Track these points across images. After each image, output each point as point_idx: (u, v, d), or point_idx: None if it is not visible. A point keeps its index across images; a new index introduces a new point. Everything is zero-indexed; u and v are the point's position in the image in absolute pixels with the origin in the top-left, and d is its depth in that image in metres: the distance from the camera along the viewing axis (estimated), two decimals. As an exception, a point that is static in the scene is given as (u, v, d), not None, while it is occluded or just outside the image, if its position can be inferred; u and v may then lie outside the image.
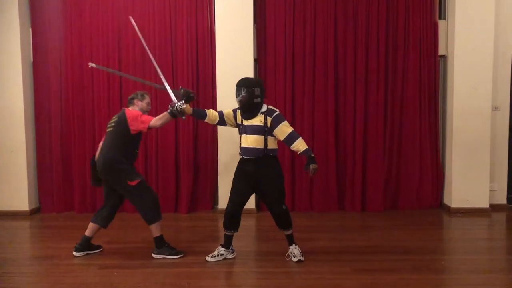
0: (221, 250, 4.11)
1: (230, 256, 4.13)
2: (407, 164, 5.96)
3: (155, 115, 4.08)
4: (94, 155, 4.29)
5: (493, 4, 5.63)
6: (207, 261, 4.05)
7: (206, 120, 4.08)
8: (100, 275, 3.80)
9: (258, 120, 3.91)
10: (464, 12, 5.66)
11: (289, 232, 4.08)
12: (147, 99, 4.29)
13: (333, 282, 3.57)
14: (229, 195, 4.05)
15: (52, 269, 3.96)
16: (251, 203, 4.18)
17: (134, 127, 4.04)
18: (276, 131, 3.90)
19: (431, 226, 5.30)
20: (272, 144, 3.95)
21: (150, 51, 4.49)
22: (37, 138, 6.05)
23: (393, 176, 6.00)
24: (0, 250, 4.53)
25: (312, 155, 3.88)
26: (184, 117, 4.05)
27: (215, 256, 4.08)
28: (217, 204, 5.96)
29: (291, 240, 4.10)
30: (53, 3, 5.87)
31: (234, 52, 5.68)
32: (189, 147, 5.90)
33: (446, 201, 6.00)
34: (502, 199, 6.01)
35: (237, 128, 4.08)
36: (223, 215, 4.11)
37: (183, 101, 3.94)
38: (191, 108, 4.03)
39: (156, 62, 4.48)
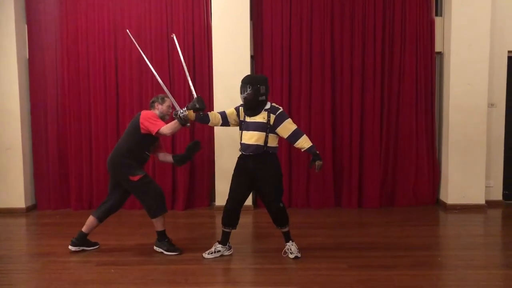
0: (218, 246, 4.11)
1: (227, 253, 4.13)
2: (403, 161, 5.97)
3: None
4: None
5: (490, 1, 5.64)
6: (204, 258, 4.05)
7: (209, 124, 4.06)
8: (97, 272, 3.80)
9: (261, 117, 3.90)
10: (461, 9, 5.66)
11: (285, 230, 4.08)
12: (167, 102, 4.29)
13: (330, 279, 3.58)
14: (227, 191, 4.04)
15: (49, 266, 3.96)
16: (248, 200, 4.18)
17: (144, 125, 4.06)
18: (279, 129, 3.90)
19: (427, 223, 5.32)
20: (272, 142, 3.95)
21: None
22: (33, 135, 6.02)
23: (390, 172, 6.01)
24: (-4, 247, 4.53)
25: (317, 152, 3.89)
26: (188, 124, 4.03)
27: (212, 253, 4.08)
28: (214, 201, 5.97)
29: (287, 237, 4.10)
30: (49, 0, 5.83)
31: (231, 49, 5.66)
32: (186, 143, 5.87)
33: (442, 197, 6.02)
34: (498, 195, 6.03)
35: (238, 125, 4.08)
36: (220, 211, 4.12)
37: (185, 108, 3.93)
38: (194, 114, 3.98)
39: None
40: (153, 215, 4.15)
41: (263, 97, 3.89)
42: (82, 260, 4.08)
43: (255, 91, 3.84)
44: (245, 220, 5.21)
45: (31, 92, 5.98)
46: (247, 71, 5.59)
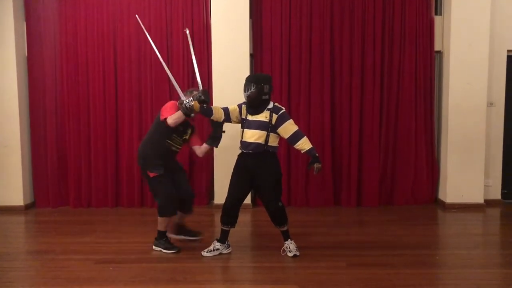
0: (217, 245, 4.11)
1: (225, 251, 4.13)
2: (402, 160, 5.97)
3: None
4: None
5: (489, 1, 5.63)
6: (203, 256, 4.05)
7: (212, 118, 4.02)
8: (95, 270, 3.79)
9: (263, 116, 3.89)
10: (460, 8, 5.66)
11: (284, 229, 4.08)
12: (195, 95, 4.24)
13: (329, 277, 3.58)
14: (227, 190, 4.04)
15: (47, 264, 3.96)
16: (247, 198, 4.18)
17: (161, 114, 4.08)
18: (280, 129, 3.90)
19: (426, 222, 5.33)
20: (273, 141, 3.95)
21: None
22: (32, 133, 6.01)
23: (389, 171, 6.01)
24: (-5, 245, 4.52)
25: (317, 154, 3.88)
26: (192, 115, 3.99)
27: (210, 251, 4.08)
28: (213, 199, 5.96)
29: (286, 235, 4.10)
30: (47, -4, 5.83)
31: (230, 47, 5.66)
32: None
33: (441, 196, 6.02)
34: (496, 194, 6.03)
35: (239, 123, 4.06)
36: (219, 210, 4.11)
37: (191, 98, 3.91)
38: (199, 105, 3.95)
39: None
40: (160, 214, 4.17)
41: (267, 96, 3.89)
42: (80, 258, 4.07)
43: (259, 90, 3.84)
44: (244, 218, 5.21)
45: (30, 89, 5.96)
46: (247, 70, 5.59)
